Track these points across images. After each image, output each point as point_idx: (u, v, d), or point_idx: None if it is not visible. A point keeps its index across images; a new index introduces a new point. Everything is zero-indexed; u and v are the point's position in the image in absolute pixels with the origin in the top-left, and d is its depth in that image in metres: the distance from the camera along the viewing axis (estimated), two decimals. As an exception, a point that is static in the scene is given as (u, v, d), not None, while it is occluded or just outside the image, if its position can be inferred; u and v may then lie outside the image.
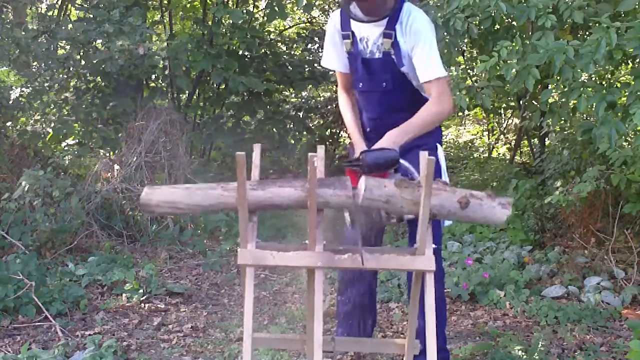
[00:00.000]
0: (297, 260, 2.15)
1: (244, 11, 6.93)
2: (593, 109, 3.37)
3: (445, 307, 3.00)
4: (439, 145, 2.85)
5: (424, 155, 2.13)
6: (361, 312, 3.02)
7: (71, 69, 5.87)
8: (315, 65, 8.01)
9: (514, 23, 4.11)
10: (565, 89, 3.51)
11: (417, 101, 2.71)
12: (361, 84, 2.81)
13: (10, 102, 5.43)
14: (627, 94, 3.34)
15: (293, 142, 7.54)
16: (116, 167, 5.57)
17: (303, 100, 9.20)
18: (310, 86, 8.10)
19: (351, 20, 2.75)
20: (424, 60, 2.63)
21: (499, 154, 9.74)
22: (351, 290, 3.01)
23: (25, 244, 4.34)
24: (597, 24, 3.20)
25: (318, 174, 2.08)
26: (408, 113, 2.64)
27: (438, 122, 2.74)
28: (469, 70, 5.37)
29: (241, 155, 2.01)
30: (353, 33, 2.77)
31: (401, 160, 2.43)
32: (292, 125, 7.82)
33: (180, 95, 7.29)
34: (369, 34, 2.74)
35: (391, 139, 2.52)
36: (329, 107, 9.23)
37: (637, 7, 3.54)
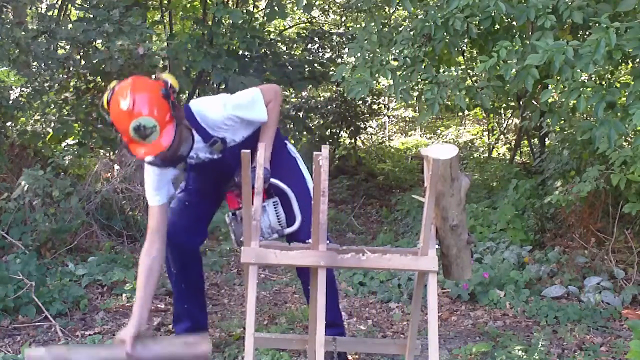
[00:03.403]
0: (300, 260, 2.15)
1: (244, 11, 6.94)
2: (592, 109, 3.38)
3: (336, 282, 3.27)
4: (287, 142, 3.07)
5: (428, 158, 2.14)
6: (195, 298, 3.17)
7: (71, 69, 5.87)
8: (315, 65, 8.01)
9: (514, 23, 4.11)
10: (565, 89, 3.51)
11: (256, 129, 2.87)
12: (206, 177, 2.96)
13: (10, 102, 5.42)
14: (626, 94, 3.35)
15: (293, 142, 7.55)
16: (116, 167, 5.56)
17: (303, 100, 9.21)
18: (310, 86, 8.11)
19: None
20: (248, 112, 2.79)
21: (499, 154, 9.76)
22: (183, 275, 3.11)
23: (25, 244, 4.33)
24: (596, 24, 3.20)
25: (322, 173, 2.09)
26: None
27: (279, 113, 2.96)
28: (468, 70, 5.37)
29: (246, 153, 2.02)
30: None
31: (272, 180, 2.77)
32: (292, 125, 7.83)
33: (181, 95, 7.28)
34: (196, 151, 2.80)
35: (260, 160, 2.65)
36: (329, 107, 9.24)
37: (636, 7, 3.53)
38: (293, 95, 9.18)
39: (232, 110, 2.76)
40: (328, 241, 2.17)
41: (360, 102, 8.95)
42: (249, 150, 2.05)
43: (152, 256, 2.76)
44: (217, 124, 2.76)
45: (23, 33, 5.28)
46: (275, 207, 2.81)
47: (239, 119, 2.78)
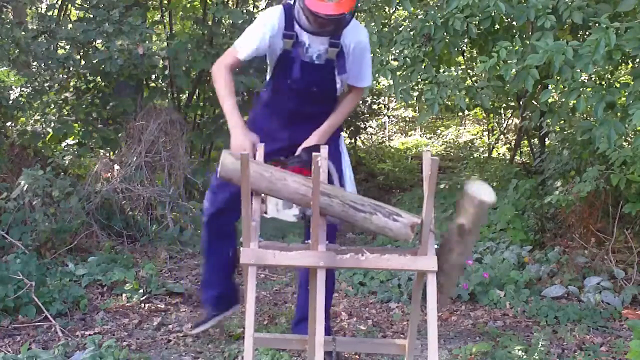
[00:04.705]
0: (300, 260, 2.15)
1: (244, 11, 6.93)
2: (592, 109, 3.38)
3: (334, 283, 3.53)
4: (341, 134, 3.15)
5: (427, 157, 2.14)
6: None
7: (71, 69, 5.87)
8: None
9: (514, 23, 4.12)
10: (565, 89, 3.52)
11: (331, 95, 3.00)
12: (290, 81, 2.90)
13: (10, 102, 5.43)
14: (626, 94, 3.35)
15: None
16: (116, 167, 5.57)
17: (303, 100, 9.17)
18: (310, 86, 8.09)
19: (295, 24, 2.81)
20: (368, 68, 2.99)
21: (499, 154, 9.76)
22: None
23: (25, 244, 4.33)
24: (596, 24, 3.20)
25: (322, 173, 2.09)
26: (323, 106, 2.96)
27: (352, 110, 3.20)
28: (468, 71, 5.38)
29: (245, 155, 2.02)
30: (296, 35, 2.83)
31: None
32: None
33: (180, 95, 7.29)
34: (311, 40, 2.83)
35: (321, 137, 2.89)
36: (328, 107, 9.22)
37: (636, 7, 3.53)
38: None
39: (367, 43, 2.91)
40: (327, 241, 2.17)
41: (360, 102, 8.94)
42: (248, 152, 2.05)
43: (231, 78, 2.83)
44: (351, 38, 2.83)
45: (23, 33, 5.29)
46: None
47: (360, 58, 2.88)
